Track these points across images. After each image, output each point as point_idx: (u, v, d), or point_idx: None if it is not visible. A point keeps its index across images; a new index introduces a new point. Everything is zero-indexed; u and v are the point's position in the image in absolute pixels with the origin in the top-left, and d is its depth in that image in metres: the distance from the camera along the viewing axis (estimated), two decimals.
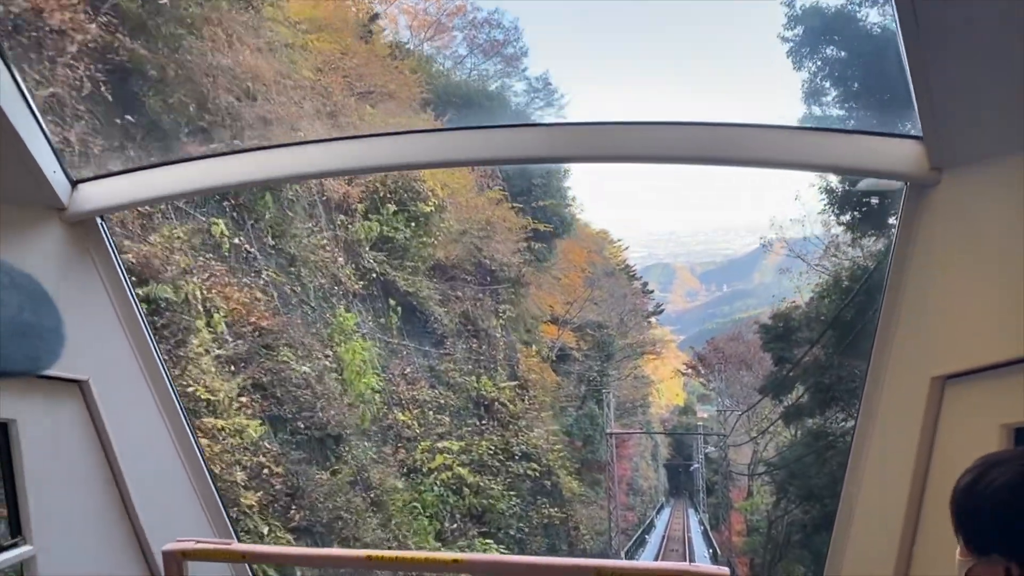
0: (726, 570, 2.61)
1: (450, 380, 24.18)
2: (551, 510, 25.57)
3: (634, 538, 40.85)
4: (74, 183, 3.25)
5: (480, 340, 26.74)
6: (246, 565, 4.03)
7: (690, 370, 59.55)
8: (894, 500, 3.14)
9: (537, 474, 24.97)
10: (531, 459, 25.24)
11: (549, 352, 36.52)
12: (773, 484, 32.51)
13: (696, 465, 56.99)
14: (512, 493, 23.36)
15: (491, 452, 23.84)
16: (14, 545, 3.12)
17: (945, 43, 2.32)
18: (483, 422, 24.86)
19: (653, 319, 58.24)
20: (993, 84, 2.41)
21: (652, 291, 59.93)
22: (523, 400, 27.57)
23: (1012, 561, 1.71)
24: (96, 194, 3.29)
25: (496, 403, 25.63)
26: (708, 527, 46.97)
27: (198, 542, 2.91)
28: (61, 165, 3.12)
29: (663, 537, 45.58)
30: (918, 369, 3.02)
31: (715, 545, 39.84)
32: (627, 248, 57.14)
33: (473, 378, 25.17)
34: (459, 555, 2.75)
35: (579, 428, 37.44)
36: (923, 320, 3.01)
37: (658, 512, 56.22)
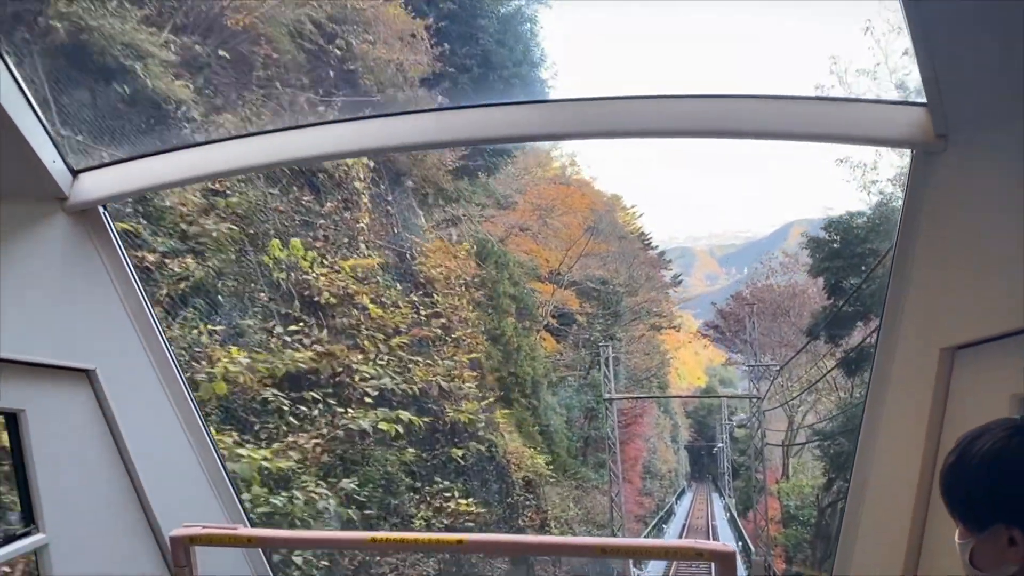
0: (733, 547, 2.58)
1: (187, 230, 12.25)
2: (462, 503, 15.51)
3: (651, 527, 36.91)
4: (75, 173, 3.26)
5: (310, 188, 15.24)
6: (258, 550, 4.06)
7: (710, 331, 51.62)
8: (906, 472, 3.11)
9: (402, 438, 14.15)
10: (417, 406, 14.80)
11: (543, 313, 32.32)
12: (826, 459, 27.45)
13: (720, 445, 53.53)
14: (316, 470, 12.48)
15: (286, 380, 12.48)
16: (27, 533, 3.15)
17: (947, 6, 2.26)
18: (291, 326, 13.54)
19: (673, 300, 53.27)
20: (998, 48, 2.35)
21: (670, 260, 54.93)
22: (416, 309, 16.98)
23: (1014, 527, 1.68)
24: (97, 183, 3.30)
25: (330, 296, 14.42)
26: (735, 513, 42.87)
27: (205, 527, 2.93)
28: (60, 155, 3.12)
29: (684, 526, 42.38)
30: (927, 340, 2.98)
31: (745, 536, 34.67)
32: (642, 215, 52.13)
33: (276, 242, 13.61)
34: (463, 536, 2.75)
35: (580, 401, 33.10)
36: (932, 290, 2.97)
37: (678, 498, 51.75)
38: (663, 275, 51.23)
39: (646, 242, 49.92)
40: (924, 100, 2.69)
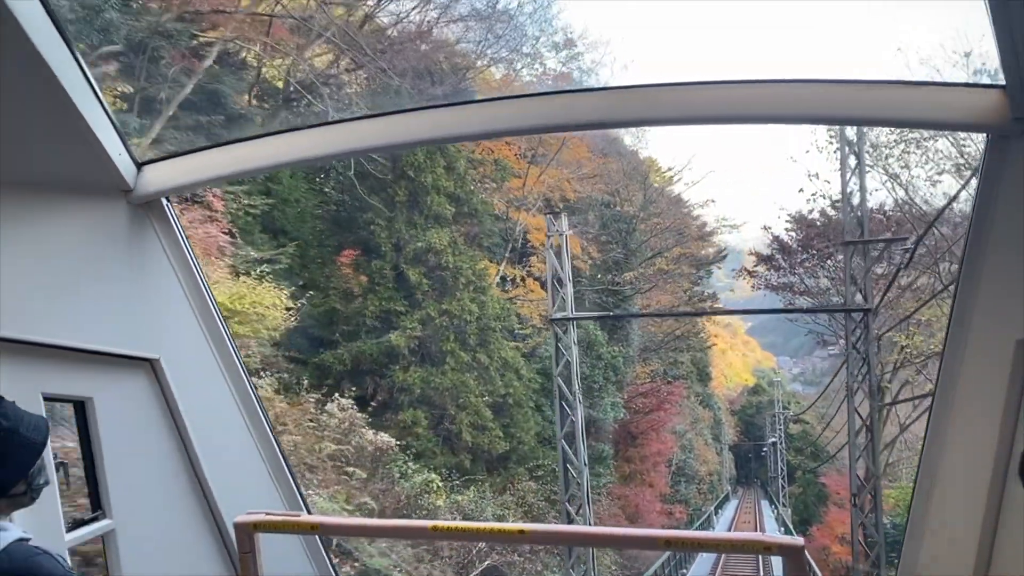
0: (801, 541, 2.52)
1: None
2: None
3: None
4: (139, 165, 3.31)
5: None
6: (315, 537, 4.09)
7: (759, 265, 34.13)
8: (977, 469, 3.01)
9: None
10: None
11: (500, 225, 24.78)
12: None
13: (773, 440, 47.34)
14: None
15: None
16: (95, 519, 3.22)
17: None
18: None
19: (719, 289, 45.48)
20: None
21: (712, 232, 43.32)
22: None
23: None
24: (161, 175, 3.35)
25: None
26: (791, 527, 35.07)
27: (268, 514, 2.96)
28: (126, 147, 3.17)
29: None
30: (1002, 332, 2.87)
31: (811, 562, 22.61)
32: (679, 179, 42.57)
33: None
34: (524, 526, 2.74)
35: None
36: (1007, 280, 2.86)
37: (719, 506, 42.26)
38: (707, 251, 42.27)
39: (686, 209, 41.35)
40: (1002, 82, 2.59)
